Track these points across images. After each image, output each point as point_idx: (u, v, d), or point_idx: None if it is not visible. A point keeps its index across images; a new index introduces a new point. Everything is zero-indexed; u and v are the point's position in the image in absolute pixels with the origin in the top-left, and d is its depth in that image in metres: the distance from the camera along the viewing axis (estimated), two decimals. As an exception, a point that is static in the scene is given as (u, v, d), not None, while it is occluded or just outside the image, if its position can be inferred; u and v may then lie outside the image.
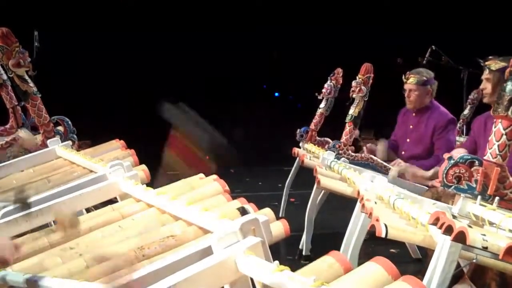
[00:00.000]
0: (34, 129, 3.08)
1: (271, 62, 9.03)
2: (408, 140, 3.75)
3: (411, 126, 3.75)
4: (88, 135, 3.25)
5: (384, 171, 3.36)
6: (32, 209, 1.84)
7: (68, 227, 1.61)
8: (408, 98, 3.70)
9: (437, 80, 3.75)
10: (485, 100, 2.91)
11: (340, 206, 3.72)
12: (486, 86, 2.81)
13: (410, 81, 3.65)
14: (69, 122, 2.93)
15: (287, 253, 3.68)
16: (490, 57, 2.77)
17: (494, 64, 2.71)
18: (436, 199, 2.47)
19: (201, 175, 2.01)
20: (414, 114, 3.74)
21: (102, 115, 8.12)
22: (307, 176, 3.56)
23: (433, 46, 4.79)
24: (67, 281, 1.32)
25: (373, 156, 3.49)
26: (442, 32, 7.04)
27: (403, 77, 3.71)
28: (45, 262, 1.48)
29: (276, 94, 10.51)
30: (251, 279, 1.23)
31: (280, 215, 4.51)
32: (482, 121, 2.94)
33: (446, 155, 1.82)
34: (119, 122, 7.71)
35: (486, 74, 2.80)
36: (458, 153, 2.08)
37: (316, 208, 3.63)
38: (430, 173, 3.30)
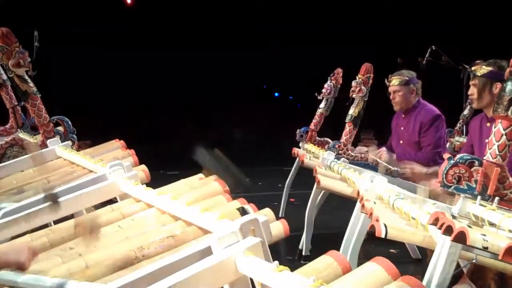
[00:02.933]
0: (34, 129, 3.08)
1: (271, 62, 9.03)
2: (401, 141, 3.74)
3: (402, 128, 3.75)
4: (88, 135, 3.25)
5: (385, 172, 3.36)
6: (32, 209, 1.84)
7: (88, 233, 1.61)
8: (393, 100, 3.70)
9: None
10: (474, 105, 2.91)
11: (340, 206, 3.72)
12: (473, 92, 2.78)
13: (393, 83, 3.67)
14: (69, 122, 2.93)
15: (287, 253, 3.68)
16: (478, 61, 2.75)
17: (479, 69, 2.70)
18: (434, 199, 2.46)
19: (201, 175, 2.01)
20: (403, 115, 3.74)
21: (102, 115, 8.13)
22: (307, 176, 3.56)
23: (433, 46, 4.78)
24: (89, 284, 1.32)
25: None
26: (442, 32, 7.03)
27: (386, 80, 3.72)
28: (45, 262, 1.48)
29: (276, 94, 10.52)
30: (251, 279, 1.23)
31: (280, 215, 4.51)
32: (478, 123, 2.92)
33: (446, 155, 1.82)
34: (119, 122, 7.72)
35: (472, 80, 2.78)
36: None
37: (316, 208, 3.63)
38: (430, 170, 3.30)
